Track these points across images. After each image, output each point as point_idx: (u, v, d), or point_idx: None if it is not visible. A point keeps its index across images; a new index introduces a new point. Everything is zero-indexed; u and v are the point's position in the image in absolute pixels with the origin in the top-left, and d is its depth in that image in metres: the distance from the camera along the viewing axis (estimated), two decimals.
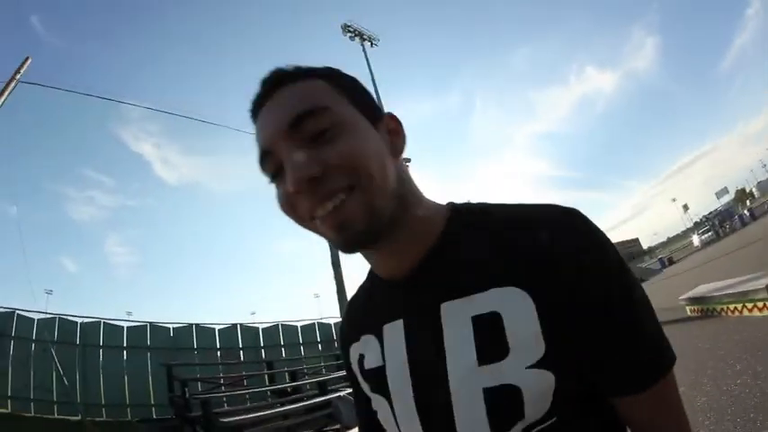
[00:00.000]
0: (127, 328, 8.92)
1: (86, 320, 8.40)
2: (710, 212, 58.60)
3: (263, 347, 10.65)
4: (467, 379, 0.49)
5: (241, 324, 10.67)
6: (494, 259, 0.51)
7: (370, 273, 0.66)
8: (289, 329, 11.41)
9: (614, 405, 0.50)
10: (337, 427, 5.02)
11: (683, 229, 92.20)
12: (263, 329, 11.00)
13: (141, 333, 8.92)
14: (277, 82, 0.53)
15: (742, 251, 13.88)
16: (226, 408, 6.24)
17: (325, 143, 0.49)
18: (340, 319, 10.59)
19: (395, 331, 0.57)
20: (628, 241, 62.22)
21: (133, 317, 13.71)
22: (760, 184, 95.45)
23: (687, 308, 7.33)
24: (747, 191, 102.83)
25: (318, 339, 11.84)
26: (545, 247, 0.48)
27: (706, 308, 6.71)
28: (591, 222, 0.51)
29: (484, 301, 0.49)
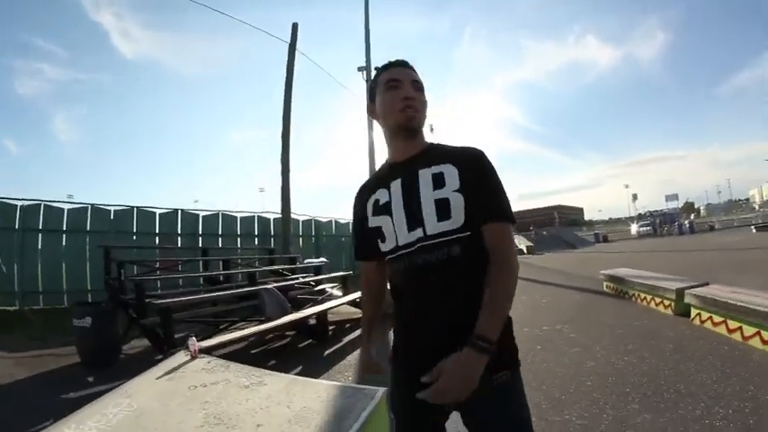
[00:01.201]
0: (67, 210, 8.59)
1: (26, 203, 8.02)
2: (656, 211, 60.06)
3: (201, 235, 10.75)
4: (428, 196, 1.16)
5: (182, 210, 10.60)
6: (443, 155, 1.21)
7: (385, 163, 1.35)
8: (228, 220, 11.53)
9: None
10: (262, 318, 5.31)
11: (627, 216, 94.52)
12: (202, 217, 11.01)
13: (82, 216, 8.66)
14: (406, 64, 1.28)
15: (672, 255, 15.55)
16: (160, 292, 6.51)
17: (419, 92, 1.24)
18: (280, 215, 10.67)
19: (396, 184, 1.23)
20: (573, 207, 63.04)
21: (75, 199, 13.10)
22: (709, 206, 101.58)
23: (604, 283, 7.84)
24: (696, 207, 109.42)
25: (256, 233, 12.05)
26: (464, 153, 1.21)
27: (620, 289, 7.18)
28: (485, 153, 1.22)
29: (437, 169, 1.18)
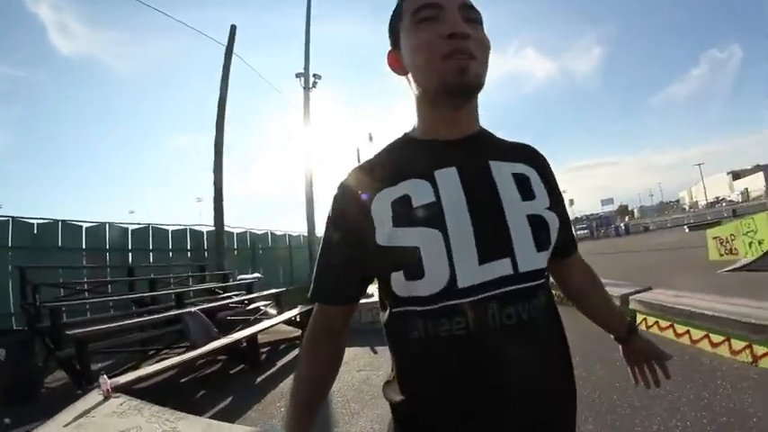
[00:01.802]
0: None
1: None
2: (593, 214, 63.01)
3: (130, 251, 10.24)
4: (516, 207, 0.75)
5: (110, 223, 9.92)
6: (515, 150, 0.87)
7: (410, 139, 0.85)
8: (159, 233, 11.02)
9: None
10: (187, 344, 5.11)
11: None
12: (132, 231, 10.39)
13: (3, 230, 7.88)
14: None
15: (612, 257, 15.43)
16: (80, 318, 6.15)
17: (475, 28, 0.76)
18: (213, 228, 10.39)
19: (449, 175, 0.75)
20: None
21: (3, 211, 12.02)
22: (642, 208, 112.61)
23: None
24: (629, 209, 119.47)
25: (188, 247, 11.66)
26: (537, 155, 0.90)
27: (563, 295, 7.70)
28: None
29: (518, 167, 0.81)
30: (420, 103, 0.83)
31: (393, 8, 0.84)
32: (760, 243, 7.83)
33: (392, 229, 0.71)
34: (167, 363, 4.06)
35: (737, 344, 3.60)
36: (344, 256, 0.79)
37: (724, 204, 55.65)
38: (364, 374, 4.51)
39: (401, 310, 0.76)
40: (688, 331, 4.16)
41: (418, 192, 0.73)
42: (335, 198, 0.81)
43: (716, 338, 3.82)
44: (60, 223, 8.96)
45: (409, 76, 0.82)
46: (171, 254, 11.26)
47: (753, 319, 3.51)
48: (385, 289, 0.79)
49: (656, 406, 2.89)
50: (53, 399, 4.43)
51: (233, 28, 12.09)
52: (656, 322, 4.67)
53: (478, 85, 0.76)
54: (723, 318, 3.74)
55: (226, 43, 11.92)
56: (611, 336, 1.09)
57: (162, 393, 3.95)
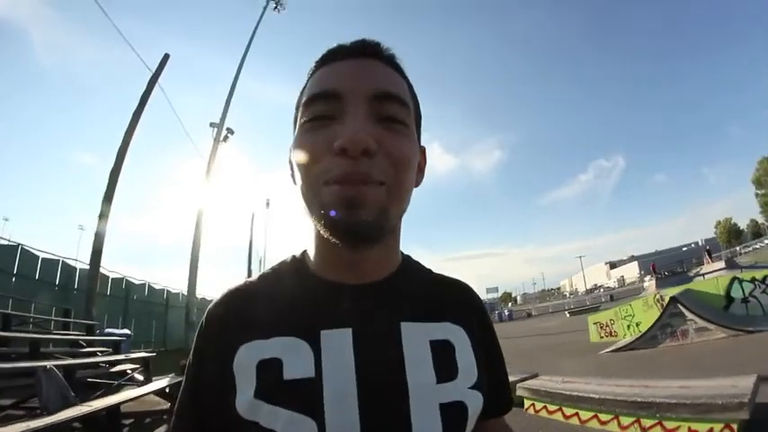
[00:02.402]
0: None
1: None
2: None
3: None
4: (427, 394, 0.53)
5: None
6: (440, 301, 0.63)
7: (300, 269, 0.62)
8: (28, 259, 9.57)
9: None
10: (36, 404, 4.53)
11: None
12: None
13: None
14: (374, 52, 0.58)
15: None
16: None
17: (391, 132, 0.53)
18: (88, 266, 9.26)
19: (340, 340, 0.53)
20: None
21: None
22: (524, 295, 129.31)
23: None
24: (513, 296, 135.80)
25: (57, 282, 10.25)
26: (471, 303, 0.68)
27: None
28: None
29: (439, 330, 0.58)
30: (314, 230, 0.59)
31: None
32: (637, 325, 9.28)
33: (252, 400, 0.51)
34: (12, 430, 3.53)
35: (625, 420, 3.89)
36: (191, 408, 0.59)
37: (602, 290, 61.34)
38: None
39: None
40: (577, 413, 4.33)
41: (292, 358, 0.52)
42: (201, 325, 0.61)
43: (604, 417, 4.05)
44: None
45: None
46: (36, 284, 9.81)
47: (638, 397, 3.83)
48: None
49: None
50: None
51: (165, 57, 11.68)
52: (545, 406, 4.79)
53: (378, 227, 0.52)
54: (610, 399, 3.99)
55: (154, 70, 11.35)
56: None
57: None
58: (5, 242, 9.51)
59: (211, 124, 14.13)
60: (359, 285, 0.58)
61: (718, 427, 3.59)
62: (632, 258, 67.66)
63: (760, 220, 59.13)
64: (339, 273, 0.59)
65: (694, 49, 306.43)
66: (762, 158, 53.60)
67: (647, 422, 3.92)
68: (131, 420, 5.35)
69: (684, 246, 71.35)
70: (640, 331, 9.22)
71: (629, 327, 9.77)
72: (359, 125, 0.50)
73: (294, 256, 0.66)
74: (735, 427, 3.50)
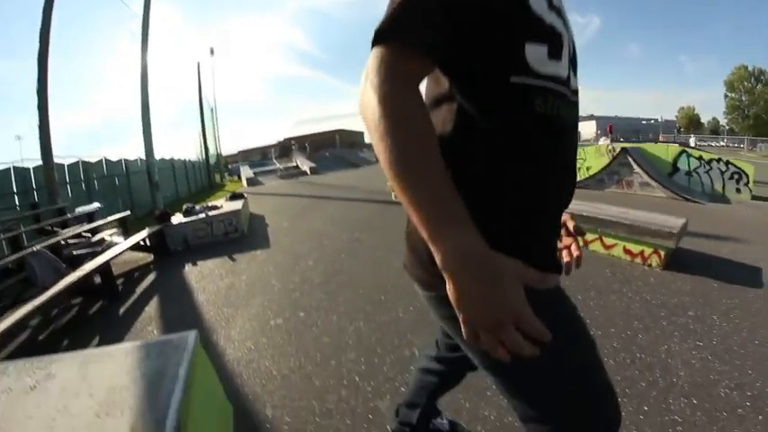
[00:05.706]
0: None
1: None
2: None
3: None
4: (572, 38, 0.79)
5: None
6: None
7: None
8: None
9: None
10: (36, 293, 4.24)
11: None
12: None
13: None
14: None
15: None
16: None
17: None
18: (40, 163, 8.73)
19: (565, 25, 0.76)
20: (354, 131, 65.71)
21: None
22: None
23: (392, 193, 8.82)
24: None
25: (15, 190, 9.16)
26: None
27: None
28: None
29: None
30: None
31: None
32: (588, 169, 9.92)
33: (543, 7, 0.69)
34: (18, 314, 3.47)
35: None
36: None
37: None
38: (228, 281, 4.60)
39: (530, 83, 0.69)
40: None
41: (556, 22, 0.73)
42: None
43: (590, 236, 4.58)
44: None
45: None
46: None
47: (584, 213, 4.59)
48: (497, 57, 0.68)
49: None
50: None
51: None
52: None
53: None
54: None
55: None
56: None
57: (19, 356, 3.34)
58: None
59: None
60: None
61: (648, 250, 4.08)
62: (591, 117, 66.03)
63: (723, 121, 58.77)
64: None
65: None
66: (740, 65, 52.58)
67: (589, 236, 4.49)
68: (122, 279, 5.47)
69: (644, 120, 70.78)
70: (590, 174, 9.81)
71: (580, 169, 10.08)
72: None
73: None
74: (662, 253, 3.96)
